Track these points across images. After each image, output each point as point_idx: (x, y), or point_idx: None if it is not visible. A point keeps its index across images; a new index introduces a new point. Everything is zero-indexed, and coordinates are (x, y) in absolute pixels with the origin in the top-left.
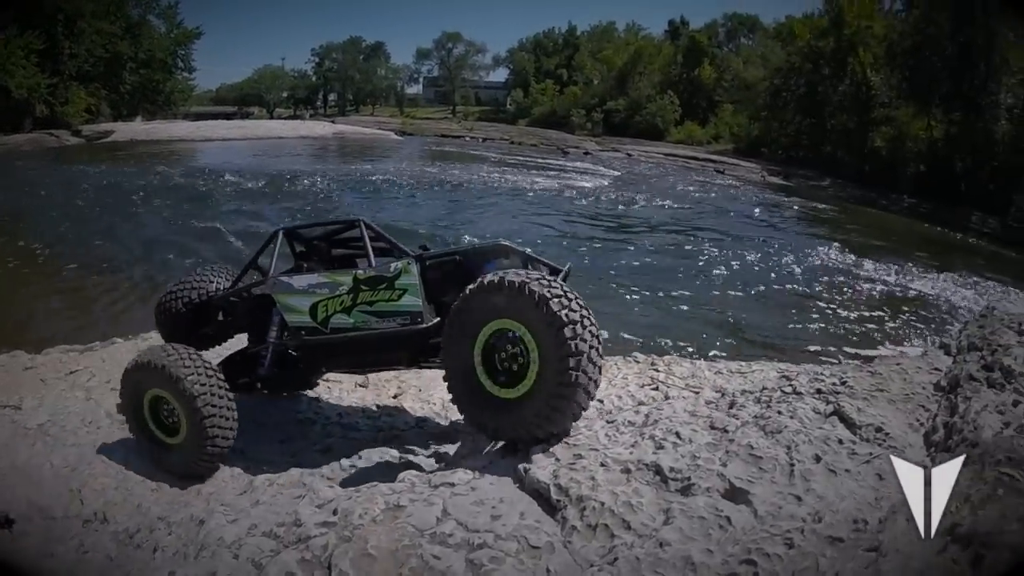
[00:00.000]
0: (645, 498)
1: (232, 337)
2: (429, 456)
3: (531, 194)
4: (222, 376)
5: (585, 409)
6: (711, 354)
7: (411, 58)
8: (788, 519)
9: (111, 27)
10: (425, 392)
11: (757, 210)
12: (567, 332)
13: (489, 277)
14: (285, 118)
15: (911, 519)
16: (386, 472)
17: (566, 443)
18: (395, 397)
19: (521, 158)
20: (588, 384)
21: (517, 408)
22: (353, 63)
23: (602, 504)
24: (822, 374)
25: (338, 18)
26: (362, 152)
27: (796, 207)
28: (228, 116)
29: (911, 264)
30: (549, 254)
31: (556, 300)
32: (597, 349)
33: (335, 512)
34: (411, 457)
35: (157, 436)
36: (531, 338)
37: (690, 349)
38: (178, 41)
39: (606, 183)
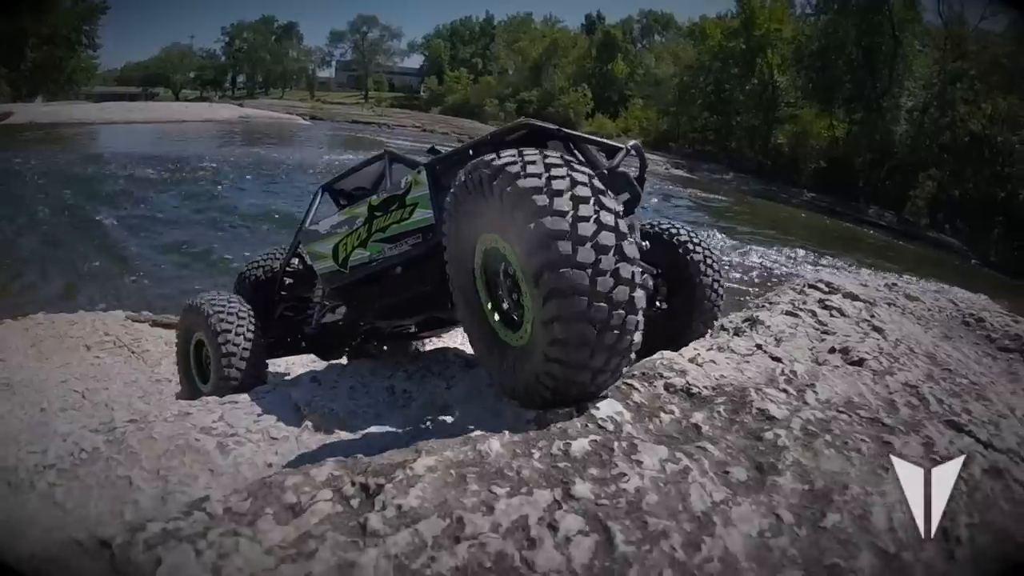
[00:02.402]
0: (372, 411)
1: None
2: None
3: None
4: (254, 324)
5: (595, 385)
6: None
7: (324, 40)
8: None
9: None
10: None
11: (653, 200)
12: (546, 256)
13: (464, 170)
14: (192, 100)
15: None
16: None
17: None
18: None
19: (429, 145)
20: (596, 338)
21: (521, 358)
22: (264, 44)
23: (332, 411)
24: None
25: None
26: (268, 138)
27: (691, 198)
28: (132, 97)
29: (796, 251)
30: None
31: (537, 199)
32: (626, 289)
33: (140, 415)
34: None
35: (196, 382)
36: (515, 262)
37: None
38: (83, 16)
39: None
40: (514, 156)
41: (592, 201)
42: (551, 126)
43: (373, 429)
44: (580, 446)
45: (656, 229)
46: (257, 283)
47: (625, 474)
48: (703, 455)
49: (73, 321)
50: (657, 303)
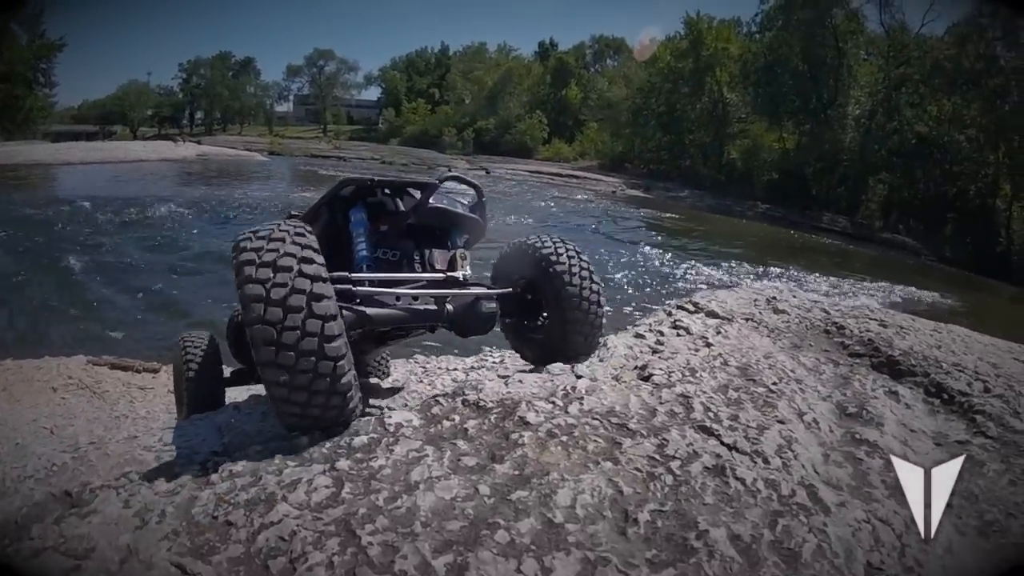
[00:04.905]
0: (275, 431)
1: None
2: None
3: None
4: (215, 364)
5: (310, 419)
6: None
7: (281, 75)
8: None
9: None
10: None
11: (600, 222)
12: (247, 315)
13: None
14: (149, 138)
15: None
16: None
17: None
18: None
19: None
20: (289, 380)
21: None
22: (221, 79)
23: (245, 432)
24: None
25: (207, 32)
26: (226, 176)
27: (643, 217)
28: (90, 136)
29: (742, 265)
30: None
31: (247, 269)
32: (314, 340)
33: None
34: None
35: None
36: None
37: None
38: (39, 53)
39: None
40: (251, 232)
41: (295, 271)
42: (367, 178)
43: (273, 445)
44: (359, 441)
45: (522, 246)
46: (237, 325)
47: (377, 457)
48: (450, 448)
49: (39, 366)
50: (540, 318)
